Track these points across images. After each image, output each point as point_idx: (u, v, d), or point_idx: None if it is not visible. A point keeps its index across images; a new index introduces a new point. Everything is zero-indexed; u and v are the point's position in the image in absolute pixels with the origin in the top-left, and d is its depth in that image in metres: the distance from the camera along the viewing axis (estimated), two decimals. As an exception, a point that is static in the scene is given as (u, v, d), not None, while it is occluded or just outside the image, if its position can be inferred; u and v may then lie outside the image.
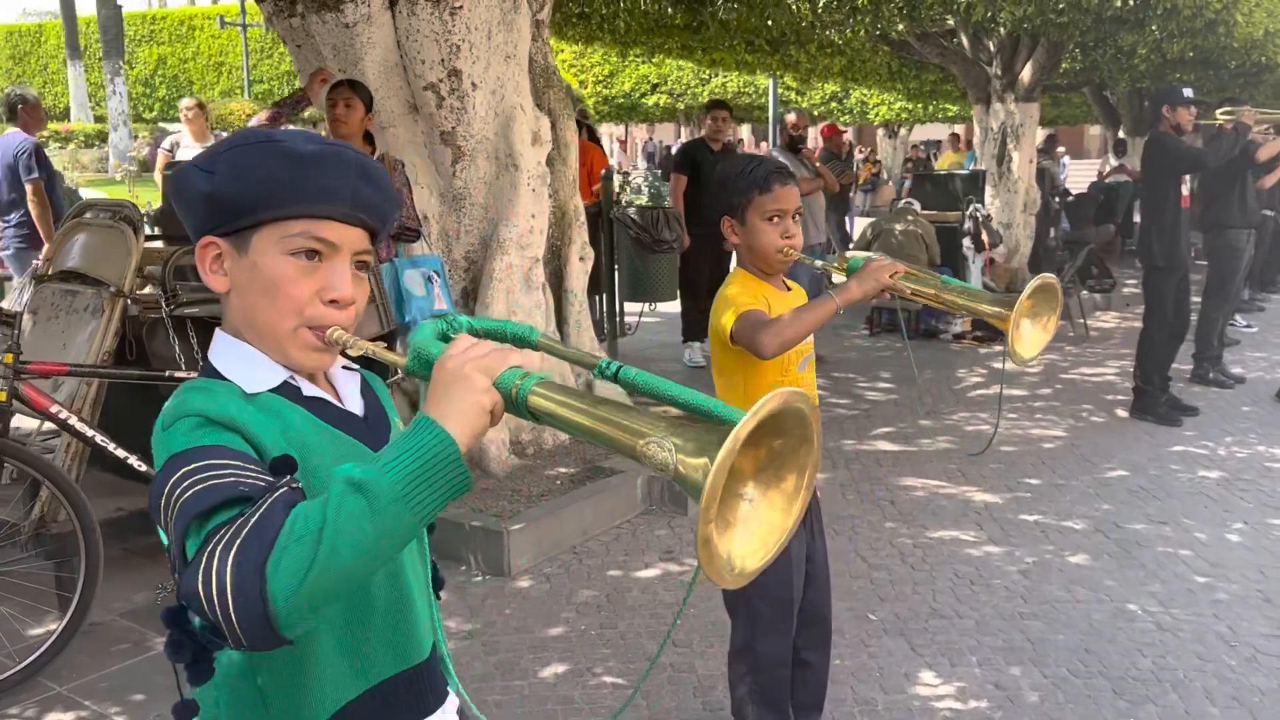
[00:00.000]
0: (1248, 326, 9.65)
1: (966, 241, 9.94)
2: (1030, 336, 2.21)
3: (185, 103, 8.53)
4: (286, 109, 4.25)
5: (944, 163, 15.59)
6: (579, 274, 5.19)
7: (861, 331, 9.29)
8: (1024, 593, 3.77)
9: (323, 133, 4.34)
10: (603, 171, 6.26)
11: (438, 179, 4.69)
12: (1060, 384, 7.26)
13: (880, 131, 28.44)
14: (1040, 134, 26.12)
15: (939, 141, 32.59)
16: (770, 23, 8.18)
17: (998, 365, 7.90)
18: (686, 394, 1.02)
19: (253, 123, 4.29)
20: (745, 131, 34.53)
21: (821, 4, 7.74)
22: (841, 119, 26.15)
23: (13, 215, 6.53)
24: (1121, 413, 6.38)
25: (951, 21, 9.72)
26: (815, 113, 26.27)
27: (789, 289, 2.49)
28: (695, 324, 7.88)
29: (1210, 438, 5.86)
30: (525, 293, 4.83)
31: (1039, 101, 11.13)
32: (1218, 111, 6.15)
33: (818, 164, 8.01)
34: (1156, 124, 6.15)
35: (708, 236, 7.86)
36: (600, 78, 26.67)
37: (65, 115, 29.11)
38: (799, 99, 25.75)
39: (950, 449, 5.64)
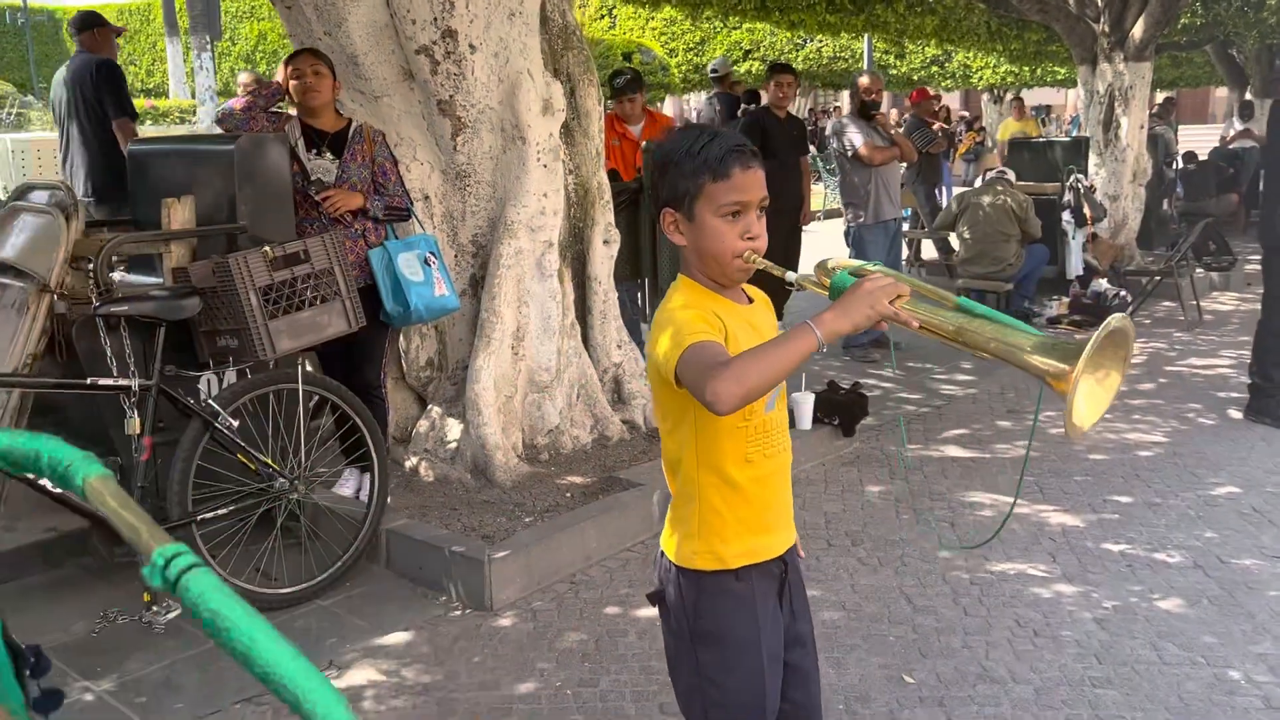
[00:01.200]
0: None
1: (1066, 215, 9.08)
2: (1090, 398, 1.57)
3: (243, 78, 8.28)
4: (261, 100, 3.82)
5: (1004, 133, 14.34)
6: (603, 259, 4.66)
7: (945, 314, 8.53)
8: (1099, 649, 3.12)
9: (291, 111, 3.89)
10: (644, 145, 5.70)
11: (439, 154, 4.20)
12: (1165, 377, 6.45)
13: (985, 96, 27.03)
14: (1159, 97, 24.49)
15: (1049, 107, 30.93)
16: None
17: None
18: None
19: (225, 106, 3.88)
20: (846, 99, 33.34)
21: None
22: (943, 84, 24.94)
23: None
24: (1235, 414, 5.57)
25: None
26: (915, 77, 25.09)
27: (750, 301, 1.91)
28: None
29: (1342, 447, 5.04)
30: (538, 281, 4.33)
31: (1151, 61, 10.09)
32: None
33: (894, 131, 7.29)
34: (1285, 81, 5.29)
35: (779, 214, 7.26)
36: (690, 45, 26.00)
37: (166, 92, 29.75)
38: (898, 63, 24.64)
39: (1031, 457, 4.96)
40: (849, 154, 6.96)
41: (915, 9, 10.72)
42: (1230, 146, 13.93)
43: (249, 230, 3.45)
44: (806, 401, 4.94)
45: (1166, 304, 8.61)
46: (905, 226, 11.83)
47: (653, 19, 25.53)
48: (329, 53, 3.96)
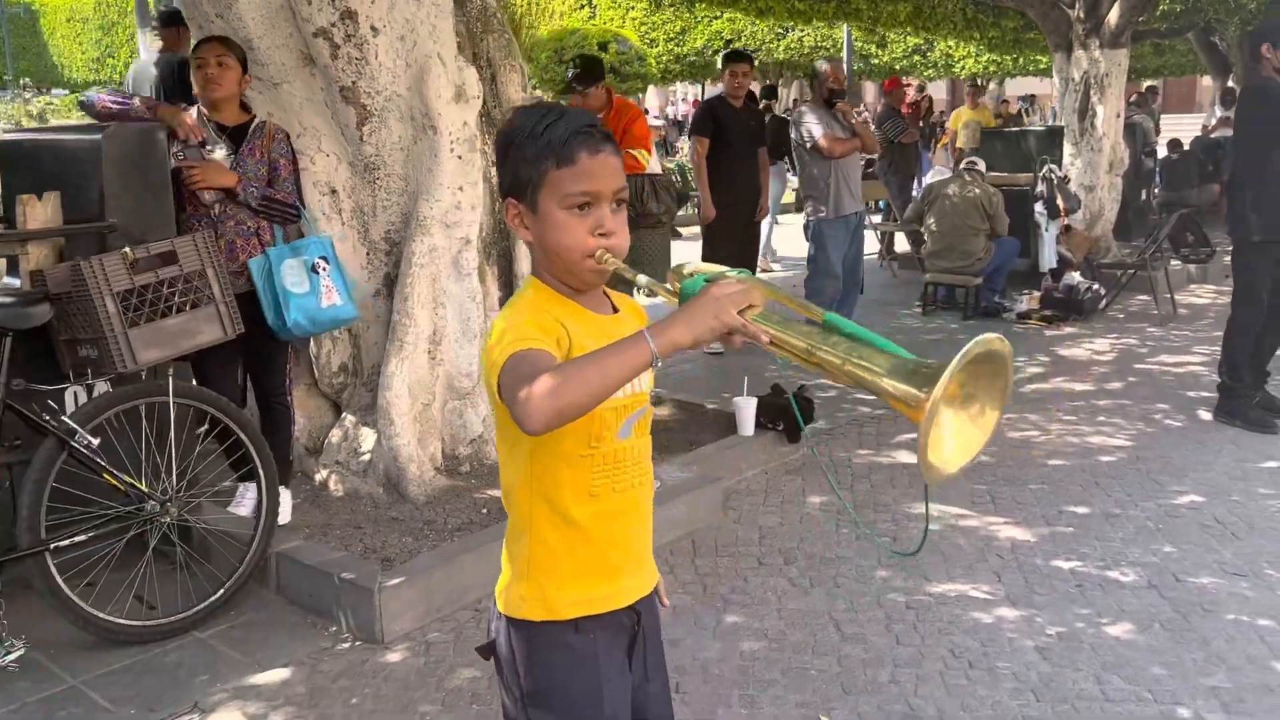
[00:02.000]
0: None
1: (1039, 206, 8.83)
2: (960, 435, 1.31)
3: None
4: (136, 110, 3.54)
5: (956, 121, 13.84)
6: (530, 257, 4.37)
7: (915, 309, 8.27)
8: (1038, 684, 2.86)
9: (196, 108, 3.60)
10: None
11: (344, 145, 3.91)
12: (1134, 376, 6.20)
13: (968, 86, 26.75)
14: (1144, 86, 24.23)
15: (1033, 96, 30.64)
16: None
17: (1064, 352, 6.85)
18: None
19: (88, 96, 3.59)
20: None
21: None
22: (925, 73, 24.70)
23: None
24: (1205, 415, 5.33)
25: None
26: (897, 66, 24.85)
27: (615, 310, 1.64)
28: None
29: (1314, 451, 4.80)
30: (455, 280, 4.05)
31: (1128, 48, 9.83)
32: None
33: (855, 122, 7.01)
34: (1255, 68, 5.03)
35: (735, 206, 6.99)
36: (671, 35, 25.72)
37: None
38: (880, 52, 24.39)
39: (984, 464, 4.70)
40: (808, 145, 6.69)
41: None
42: (1212, 135, 13.69)
43: (119, 229, 3.16)
44: (748, 406, 4.67)
45: (1142, 297, 8.37)
46: (878, 219, 11.58)
47: (633, 9, 25.20)
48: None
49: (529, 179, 1.52)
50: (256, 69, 3.77)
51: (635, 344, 1.34)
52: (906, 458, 4.78)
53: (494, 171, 4.26)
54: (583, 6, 25.46)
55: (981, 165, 8.35)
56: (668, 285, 1.54)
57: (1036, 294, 8.14)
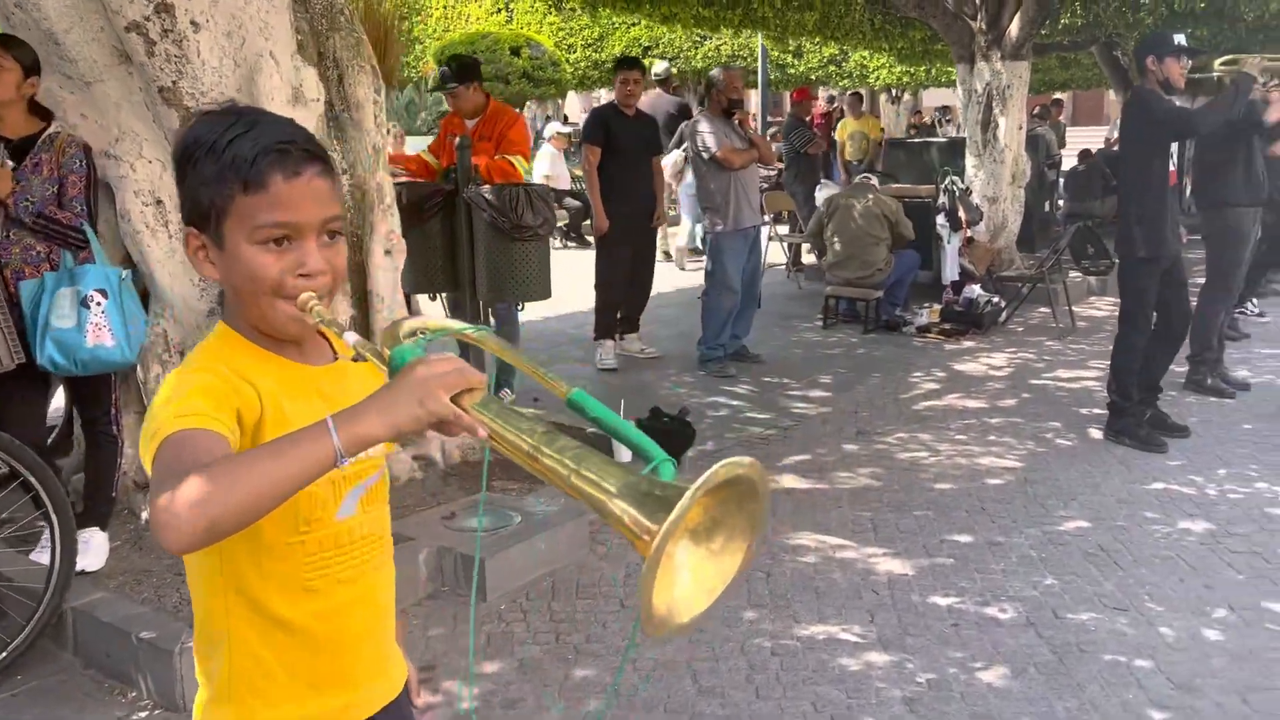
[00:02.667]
0: (1259, 315, 8.43)
1: (940, 219, 8.76)
2: (697, 574, 1.03)
3: None
4: None
5: (842, 132, 13.68)
6: (386, 271, 4.07)
7: (816, 322, 8.13)
8: (902, 741, 2.66)
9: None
10: (457, 140, 5.11)
11: (168, 150, 3.57)
12: (1029, 392, 6.10)
13: (884, 97, 27.02)
14: (1053, 98, 24.64)
15: (948, 108, 31.11)
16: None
17: (961, 367, 6.75)
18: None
19: None
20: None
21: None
22: (840, 83, 24.84)
23: None
24: (1096, 433, 5.23)
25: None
26: (814, 76, 24.95)
27: (335, 357, 1.36)
28: (609, 321, 6.77)
29: (1200, 470, 4.71)
30: (298, 299, 3.72)
31: (1029, 60, 9.85)
32: (1216, 62, 4.94)
33: (753, 132, 6.83)
34: (1142, 80, 4.95)
35: (628, 216, 6.74)
36: (589, 41, 25.48)
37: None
38: (796, 62, 24.45)
39: (870, 488, 4.51)
40: (705, 157, 6.48)
41: (793, 3, 10.31)
42: (1114, 148, 13.90)
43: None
44: (625, 431, 4.42)
45: (1043, 310, 8.34)
46: (784, 230, 11.47)
47: (550, 14, 24.92)
48: (22, 31, 3.31)
49: (211, 205, 1.22)
50: (65, 65, 3.41)
51: (315, 439, 1.04)
52: (792, 481, 4.58)
53: (344, 180, 3.95)
54: (500, 11, 25.08)
55: (874, 180, 8.25)
56: (381, 348, 1.23)
57: (937, 307, 8.06)
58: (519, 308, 5.33)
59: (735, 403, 5.83)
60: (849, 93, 14.87)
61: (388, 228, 4.05)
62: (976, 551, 3.83)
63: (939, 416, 5.55)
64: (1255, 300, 8.52)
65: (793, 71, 24.40)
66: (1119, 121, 5.03)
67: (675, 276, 10.16)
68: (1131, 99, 4.81)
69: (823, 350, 7.26)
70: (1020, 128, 10.02)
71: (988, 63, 9.91)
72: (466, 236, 5.17)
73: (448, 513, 3.76)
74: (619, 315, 6.89)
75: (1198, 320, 6.03)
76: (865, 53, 21.05)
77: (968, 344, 7.44)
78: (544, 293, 5.22)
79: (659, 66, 12.37)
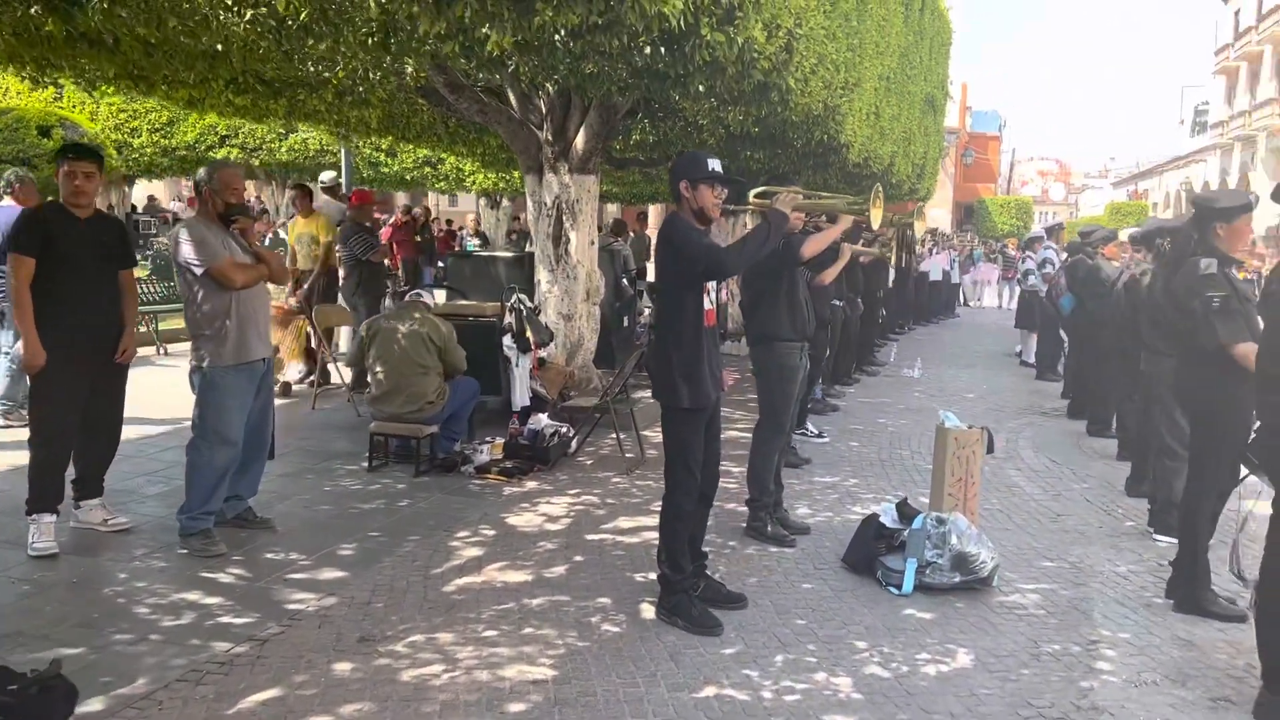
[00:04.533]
0: (819, 436, 8.43)
1: (508, 340, 7.96)
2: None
3: None
4: None
5: (292, 234, 12.76)
6: None
7: (362, 463, 6.91)
8: None
9: None
10: None
11: None
12: (583, 552, 5.27)
13: (482, 201, 26.77)
14: (649, 210, 25.56)
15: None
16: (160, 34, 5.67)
17: (515, 520, 5.84)
18: None
19: None
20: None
21: (247, 18, 5.36)
22: (436, 185, 24.18)
23: None
24: (648, 610, 4.47)
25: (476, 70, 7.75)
26: (408, 177, 24.14)
27: None
28: (50, 487, 5.10)
29: (756, 658, 4.04)
30: None
31: (597, 174, 9.51)
32: (751, 194, 4.51)
33: (257, 245, 5.57)
34: (676, 208, 4.37)
35: (71, 347, 5.10)
36: (157, 125, 22.90)
37: None
38: (390, 161, 23.49)
39: (350, 738, 3.33)
40: (196, 272, 5.12)
41: (347, 98, 9.26)
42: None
43: None
44: None
45: (618, 435, 7.72)
46: (344, 348, 10.23)
47: (107, 94, 22.07)
48: None
49: None
50: None
51: None
52: None
53: None
54: (46, 86, 21.81)
55: (426, 296, 7.31)
56: None
57: (500, 441, 7.17)
58: None
59: (209, 600, 4.44)
60: (292, 185, 14.06)
61: None
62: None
63: (471, 602, 4.53)
64: (811, 423, 8.53)
65: (386, 170, 23.42)
66: (655, 257, 4.41)
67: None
68: (662, 230, 4.20)
69: (359, 504, 6.05)
70: (592, 243, 9.62)
71: (556, 174, 9.43)
72: None
73: None
74: (74, 477, 5.26)
75: (754, 463, 5.59)
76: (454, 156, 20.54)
77: (530, 485, 6.59)
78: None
79: (326, 175, 13.02)
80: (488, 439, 7.15)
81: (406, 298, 7.37)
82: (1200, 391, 4.65)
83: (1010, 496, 6.82)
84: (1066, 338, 12.26)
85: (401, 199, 36.20)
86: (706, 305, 4.31)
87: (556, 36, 5.05)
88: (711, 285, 4.31)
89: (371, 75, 7.86)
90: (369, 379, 6.98)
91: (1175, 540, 5.61)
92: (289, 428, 7.93)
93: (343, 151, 18.64)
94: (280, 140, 22.72)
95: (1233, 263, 4.50)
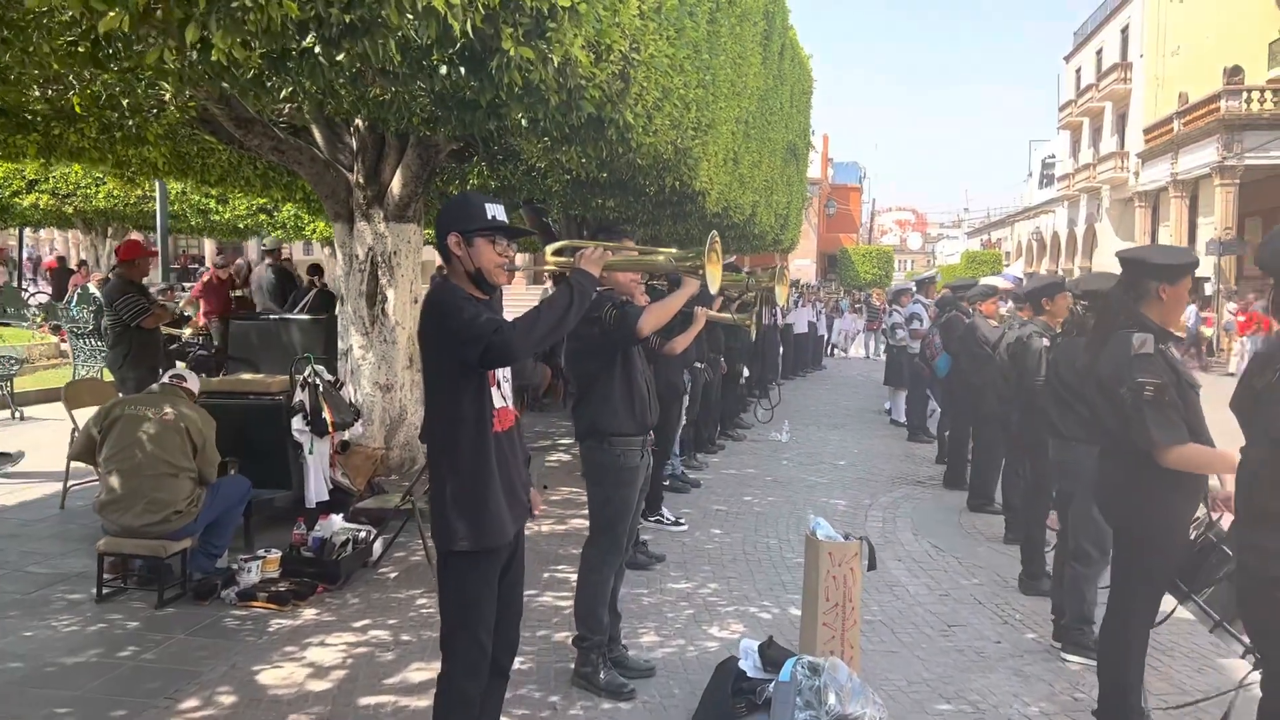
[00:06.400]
0: (676, 524, 7.29)
1: (298, 422, 6.56)
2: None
3: None
4: None
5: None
6: None
7: (91, 591, 5.39)
8: None
9: None
10: None
11: None
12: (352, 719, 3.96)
13: (327, 251, 25.03)
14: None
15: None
16: None
17: (268, 677, 4.45)
18: None
19: None
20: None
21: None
22: (275, 233, 22.37)
23: None
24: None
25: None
26: (242, 225, 22.31)
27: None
28: None
29: None
30: None
31: (418, 222, 8.25)
32: (547, 251, 3.34)
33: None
34: (444, 269, 3.16)
35: None
36: (-62, 168, 20.48)
37: None
38: (221, 208, 21.64)
39: None
40: None
41: (117, 133, 7.74)
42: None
43: None
44: None
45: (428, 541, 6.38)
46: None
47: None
48: None
49: None
50: None
51: None
52: None
53: None
54: None
55: (189, 376, 5.88)
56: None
57: (277, 555, 5.75)
58: None
59: None
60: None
61: None
62: None
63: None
64: (666, 507, 7.40)
65: (217, 218, 21.56)
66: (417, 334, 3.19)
67: None
68: (426, 301, 2.98)
69: (63, 658, 4.56)
70: (415, 301, 8.33)
71: (369, 223, 8.13)
72: None
73: None
74: None
75: (583, 593, 4.37)
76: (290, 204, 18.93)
77: (307, 614, 5.21)
78: None
79: (269, 240, 15.21)
80: (262, 552, 5.72)
81: (166, 378, 5.91)
82: (1129, 499, 3.68)
83: (893, 599, 5.80)
84: (935, 401, 11.54)
85: (255, 248, 33.78)
86: (497, 403, 3.10)
87: (306, 42, 3.81)
88: (500, 373, 3.12)
89: (124, 102, 6.43)
90: (98, 479, 5.49)
91: (1089, 661, 4.68)
92: (24, 535, 6.35)
93: (159, 197, 16.84)
94: (97, 186, 20.65)
95: (1170, 339, 3.56)
